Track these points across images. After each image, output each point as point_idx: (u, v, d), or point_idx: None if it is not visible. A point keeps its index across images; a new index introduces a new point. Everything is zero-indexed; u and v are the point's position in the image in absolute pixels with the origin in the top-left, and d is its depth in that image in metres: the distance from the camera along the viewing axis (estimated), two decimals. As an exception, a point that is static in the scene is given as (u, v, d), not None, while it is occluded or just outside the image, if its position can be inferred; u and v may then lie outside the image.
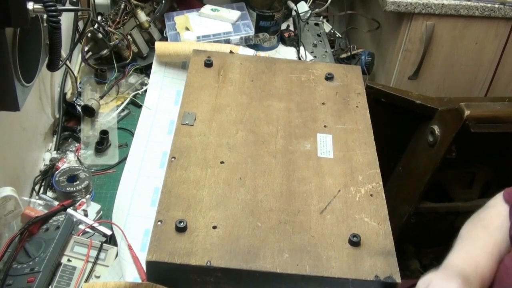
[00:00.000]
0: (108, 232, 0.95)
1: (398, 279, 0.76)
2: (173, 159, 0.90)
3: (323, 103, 1.05)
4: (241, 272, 0.75)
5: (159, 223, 0.80)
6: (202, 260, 0.75)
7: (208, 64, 1.10)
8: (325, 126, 0.99)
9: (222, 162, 0.90)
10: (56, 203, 1.00)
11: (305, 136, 0.97)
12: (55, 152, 1.14)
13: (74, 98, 1.23)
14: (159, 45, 1.29)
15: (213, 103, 1.02)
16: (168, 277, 0.75)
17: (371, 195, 0.88)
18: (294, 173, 0.90)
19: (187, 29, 1.42)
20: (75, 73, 1.27)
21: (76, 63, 1.34)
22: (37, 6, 0.72)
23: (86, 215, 0.98)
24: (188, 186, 0.86)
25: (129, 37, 1.35)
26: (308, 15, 1.64)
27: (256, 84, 1.07)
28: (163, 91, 1.27)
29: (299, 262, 0.77)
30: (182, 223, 0.79)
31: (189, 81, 1.06)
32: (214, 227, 0.80)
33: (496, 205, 0.96)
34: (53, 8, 0.73)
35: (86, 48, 1.30)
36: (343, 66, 1.18)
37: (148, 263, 0.75)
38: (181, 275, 0.76)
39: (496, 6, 1.72)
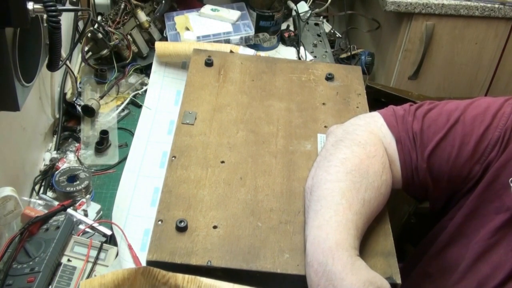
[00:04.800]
0: (108, 232, 0.95)
1: (398, 279, 0.76)
2: (173, 158, 0.90)
3: (323, 104, 1.05)
4: (241, 272, 0.75)
5: (160, 222, 0.80)
6: (202, 260, 0.75)
7: (209, 64, 1.10)
8: (325, 127, 0.99)
9: (222, 162, 0.90)
10: (56, 203, 0.99)
11: (305, 136, 0.97)
12: (55, 152, 1.14)
13: (74, 98, 1.23)
14: (159, 45, 1.29)
15: (214, 103, 1.02)
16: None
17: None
18: (295, 173, 0.90)
19: (187, 29, 1.42)
20: (75, 73, 1.27)
21: (76, 63, 1.34)
22: (37, 6, 0.72)
23: (86, 215, 0.98)
24: (188, 185, 0.86)
25: (129, 37, 1.35)
26: (308, 15, 1.64)
27: (257, 84, 1.07)
28: (163, 91, 1.26)
29: (300, 262, 0.76)
30: (182, 223, 0.79)
31: (190, 80, 1.06)
32: (215, 227, 0.80)
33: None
34: (53, 8, 0.73)
35: (86, 48, 1.30)
36: (343, 67, 1.18)
37: (149, 263, 0.75)
38: (182, 275, 0.76)
39: (496, 6, 1.72)
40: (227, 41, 1.39)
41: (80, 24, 1.30)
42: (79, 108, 1.21)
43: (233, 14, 1.46)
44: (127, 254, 0.92)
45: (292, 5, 1.64)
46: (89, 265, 0.87)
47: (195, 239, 0.78)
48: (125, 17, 1.36)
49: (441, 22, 1.77)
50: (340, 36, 1.72)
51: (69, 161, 1.12)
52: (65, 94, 1.24)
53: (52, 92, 1.19)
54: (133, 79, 1.34)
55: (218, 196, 0.84)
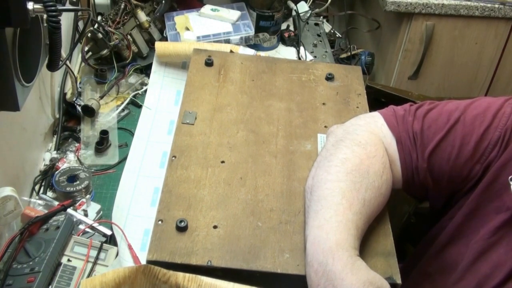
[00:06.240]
0: (108, 232, 0.95)
1: (398, 279, 0.76)
2: (173, 158, 0.90)
3: (323, 104, 1.05)
4: (241, 272, 0.75)
5: (160, 222, 0.80)
6: (202, 260, 0.75)
7: (209, 63, 1.10)
8: (325, 127, 0.99)
9: (222, 162, 0.90)
10: (56, 203, 0.99)
11: (305, 136, 0.97)
12: (55, 152, 1.14)
13: (74, 98, 1.23)
14: (159, 45, 1.29)
15: (214, 103, 1.02)
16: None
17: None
18: (295, 173, 0.90)
19: (187, 29, 1.42)
20: (75, 73, 1.27)
21: (76, 63, 1.34)
22: (37, 6, 0.72)
23: (86, 215, 0.98)
24: (188, 185, 0.86)
25: (129, 37, 1.35)
26: (308, 15, 1.64)
27: (257, 84, 1.07)
28: (163, 91, 1.26)
29: (300, 262, 0.76)
30: (182, 223, 0.79)
31: (190, 80, 1.06)
32: (215, 227, 0.80)
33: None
34: (53, 8, 0.73)
35: (86, 48, 1.30)
36: (343, 67, 1.18)
37: (149, 263, 0.75)
38: (182, 275, 0.76)
39: (496, 6, 1.72)
40: (227, 41, 1.39)
41: (80, 24, 1.30)
42: (79, 108, 1.21)
43: (233, 14, 1.46)
44: (127, 254, 0.92)
45: (292, 5, 1.64)
46: (89, 265, 0.87)
47: (195, 239, 0.78)
48: (125, 17, 1.36)
49: (441, 22, 1.77)
50: (340, 36, 1.72)
51: (69, 161, 1.12)
52: (65, 94, 1.24)
53: (52, 92, 1.19)
54: (133, 79, 1.34)
55: (218, 196, 0.84)
